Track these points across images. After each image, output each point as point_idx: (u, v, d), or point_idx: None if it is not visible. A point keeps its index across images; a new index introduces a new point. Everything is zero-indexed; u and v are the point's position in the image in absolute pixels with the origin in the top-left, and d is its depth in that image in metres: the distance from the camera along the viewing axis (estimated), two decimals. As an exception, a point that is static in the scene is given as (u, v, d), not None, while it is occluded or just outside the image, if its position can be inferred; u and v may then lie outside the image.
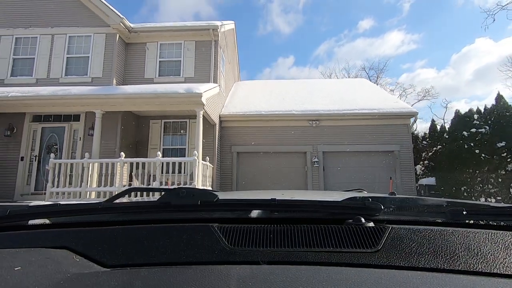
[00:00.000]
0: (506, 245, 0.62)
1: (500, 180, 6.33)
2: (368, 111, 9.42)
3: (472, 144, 6.63)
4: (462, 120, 7.17)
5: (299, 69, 55.51)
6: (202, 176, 7.01)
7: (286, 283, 0.51)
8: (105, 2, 8.44)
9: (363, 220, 0.70)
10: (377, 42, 48.08)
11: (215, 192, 0.88)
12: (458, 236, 0.64)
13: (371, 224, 0.69)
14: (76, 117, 8.00)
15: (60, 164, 6.57)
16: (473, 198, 6.42)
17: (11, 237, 0.73)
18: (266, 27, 56.51)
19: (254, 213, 0.80)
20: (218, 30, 9.00)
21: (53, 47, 8.58)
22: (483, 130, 6.81)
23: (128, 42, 9.09)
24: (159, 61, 9.10)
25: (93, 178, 6.65)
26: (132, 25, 8.83)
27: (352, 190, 1.68)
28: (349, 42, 53.00)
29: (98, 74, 8.41)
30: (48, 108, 7.21)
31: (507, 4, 10.14)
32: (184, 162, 7.08)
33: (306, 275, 0.54)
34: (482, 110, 7.54)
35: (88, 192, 6.49)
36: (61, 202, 0.78)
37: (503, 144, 6.45)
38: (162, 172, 6.80)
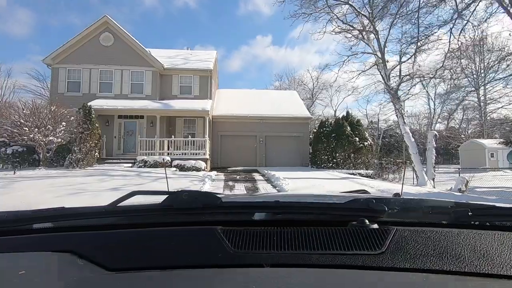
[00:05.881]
0: None
1: (330, 149, 15.88)
2: (289, 115, 18.41)
3: (322, 135, 16.09)
4: (322, 123, 16.77)
5: (275, 48, 61.50)
6: (208, 147, 15.44)
7: (289, 286, 0.51)
8: (153, 55, 15.99)
9: (367, 222, 0.70)
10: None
11: (218, 195, 0.88)
12: (463, 238, 0.63)
13: (376, 226, 0.70)
14: (141, 117, 15.71)
15: (141, 140, 14.51)
16: (320, 156, 15.83)
17: (16, 241, 0.74)
18: (247, 6, 61.12)
19: (257, 216, 0.81)
20: (212, 70, 17.10)
21: (122, 76, 15.98)
22: (328, 129, 16.25)
23: (162, 74, 16.75)
24: (180, 85, 17.00)
25: (157, 146, 14.72)
26: (165, 66, 16.50)
27: (355, 191, 1.66)
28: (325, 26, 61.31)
29: (148, 93, 16.09)
30: (133, 113, 14.97)
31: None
32: (197, 140, 15.40)
33: (310, 278, 0.54)
34: (334, 119, 17.07)
35: (155, 152, 14.57)
36: (66, 206, 0.82)
37: (334, 135, 15.93)
38: (185, 145, 15.19)
